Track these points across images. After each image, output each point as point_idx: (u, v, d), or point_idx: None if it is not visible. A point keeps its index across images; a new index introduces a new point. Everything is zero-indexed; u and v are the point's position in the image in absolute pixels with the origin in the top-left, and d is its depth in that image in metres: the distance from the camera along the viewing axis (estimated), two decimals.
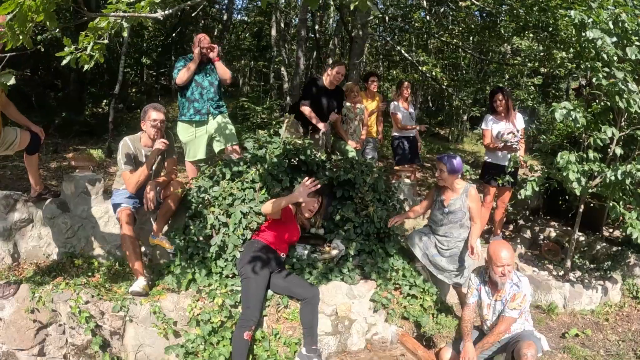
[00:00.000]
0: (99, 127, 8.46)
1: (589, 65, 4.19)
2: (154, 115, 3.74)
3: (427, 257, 4.05)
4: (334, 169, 4.22)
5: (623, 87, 3.93)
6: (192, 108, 4.55)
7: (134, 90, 12.36)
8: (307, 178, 3.49)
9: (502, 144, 4.79)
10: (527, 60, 8.16)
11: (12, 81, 2.38)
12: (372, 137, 6.21)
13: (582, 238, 5.77)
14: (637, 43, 4.15)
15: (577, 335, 4.32)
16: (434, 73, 6.99)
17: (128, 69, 10.99)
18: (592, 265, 5.28)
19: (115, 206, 3.77)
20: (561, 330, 4.39)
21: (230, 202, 3.75)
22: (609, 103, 4.16)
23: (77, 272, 3.74)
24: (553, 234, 5.93)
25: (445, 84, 8.35)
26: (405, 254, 4.23)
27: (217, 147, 4.69)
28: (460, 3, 5.76)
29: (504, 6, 6.73)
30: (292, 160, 4.15)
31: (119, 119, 8.88)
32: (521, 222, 6.40)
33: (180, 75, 4.44)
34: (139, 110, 10.24)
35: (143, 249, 4.05)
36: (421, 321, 3.75)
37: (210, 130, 4.64)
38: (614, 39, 4.19)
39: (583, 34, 4.12)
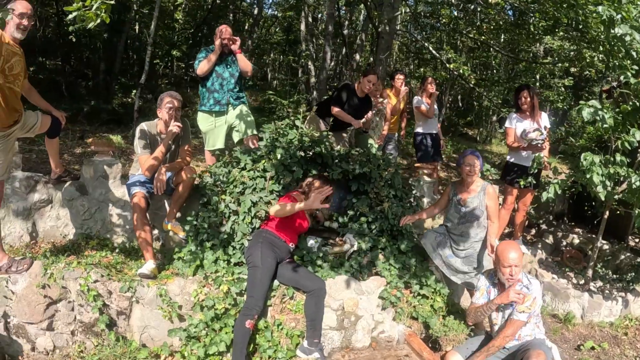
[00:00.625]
0: (126, 116, 8.72)
1: (617, 64, 4.04)
2: (168, 101, 3.86)
3: (440, 258, 4.01)
4: (350, 162, 4.22)
5: None
6: (212, 98, 4.65)
7: (164, 81, 12.69)
8: (320, 186, 3.56)
9: (527, 143, 4.69)
10: (558, 60, 7.94)
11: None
12: (393, 134, 6.18)
13: (606, 247, 5.57)
14: None
15: (593, 348, 4.19)
16: (461, 71, 6.89)
17: (158, 61, 11.28)
18: (614, 276, 5.09)
19: (130, 190, 3.88)
20: (577, 342, 4.26)
21: (241, 190, 3.81)
22: (638, 103, 4.00)
23: (91, 252, 3.88)
24: (576, 241, 5.75)
25: (472, 82, 8.21)
26: (418, 253, 4.19)
27: (236, 137, 4.77)
28: (491, 0, 5.64)
29: (534, 4, 6.56)
30: (308, 152, 4.18)
31: (147, 109, 9.11)
32: (544, 226, 6.23)
33: (201, 66, 4.53)
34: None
35: (156, 232, 4.17)
36: (430, 322, 3.72)
37: (229, 120, 4.72)
38: None
39: (612, 31, 3.98)
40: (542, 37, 8.04)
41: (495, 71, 11.79)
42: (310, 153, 4.19)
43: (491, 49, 9.38)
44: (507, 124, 4.88)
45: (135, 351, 3.35)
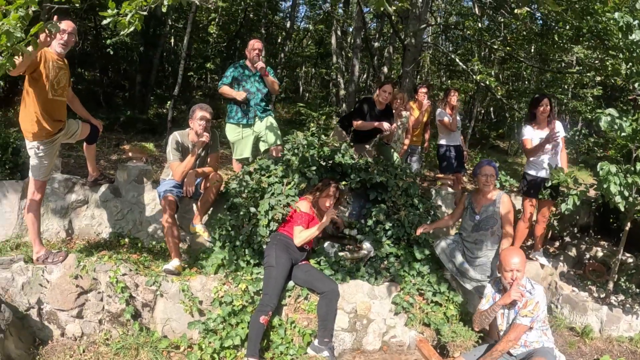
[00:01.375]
0: (160, 126, 9.22)
1: (634, 71, 4.11)
2: (200, 113, 4.21)
3: (453, 265, 4.16)
4: (368, 171, 4.44)
5: None
6: (239, 111, 4.99)
7: (198, 93, 13.27)
8: (332, 210, 3.90)
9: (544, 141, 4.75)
10: (584, 69, 7.95)
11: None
12: (417, 146, 6.36)
13: (630, 260, 5.53)
14: None
15: None
16: (487, 82, 7.03)
17: (192, 73, 11.83)
18: (637, 290, 5.05)
19: (161, 193, 4.23)
20: (594, 356, 4.26)
21: (260, 194, 4.09)
22: None
23: (122, 249, 4.23)
24: (600, 254, 5.73)
25: (500, 94, 8.30)
26: (433, 261, 4.35)
27: (263, 146, 5.10)
28: (517, 11, 5.77)
29: (555, 14, 6.65)
30: (328, 162, 4.44)
31: (181, 120, 9.59)
32: (568, 239, 6.23)
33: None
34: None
35: (183, 233, 4.49)
36: (442, 329, 3.87)
37: (257, 131, 5.05)
38: None
39: (629, 37, 4.06)
40: (569, 47, 8.08)
41: (527, 82, 11.76)
42: (330, 162, 4.44)
43: (514, 59, 9.46)
44: (524, 136, 4.95)
45: (156, 341, 3.67)
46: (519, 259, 3.14)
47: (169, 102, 11.17)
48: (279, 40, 14.87)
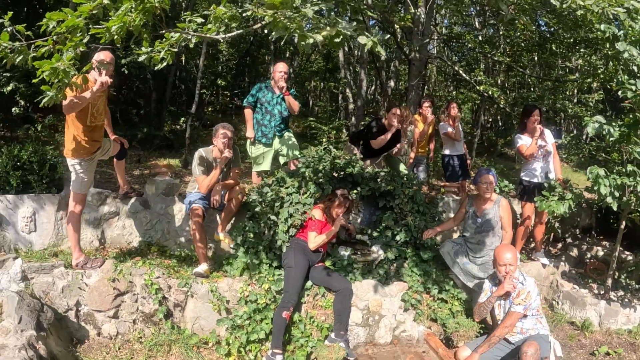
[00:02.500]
0: (176, 142, 9.76)
1: (619, 79, 4.48)
2: (222, 131, 4.70)
3: (458, 266, 4.58)
4: (377, 180, 4.90)
5: None
6: (260, 131, 5.47)
7: (209, 109, 13.86)
8: (341, 218, 4.41)
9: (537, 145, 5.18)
10: (582, 76, 8.38)
11: (105, 67, 3.55)
12: (423, 156, 6.82)
13: (630, 257, 5.89)
14: None
15: (608, 353, 4.50)
16: (490, 92, 7.47)
17: (204, 90, 12.41)
18: (637, 286, 5.40)
19: (189, 204, 4.71)
20: (593, 348, 4.61)
21: (279, 204, 4.55)
22: (638, 114, 4.42)
23: (152, 256, 4.71)
24: (601, 253, 6.10)
25: (502, 103, 8.76)
26: (439, 262, 4.78)
27: (282, 160, 5.57)
28: (518, 25, 6.21)
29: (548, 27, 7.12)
30: (340, 173, 4.90)
31: (195, 135, 10.14)
32: (569, 240, 6.61)
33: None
34: (213, 128, 11.59)
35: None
36: (447, 323, 4.29)
37: (275, 147, 5.53)
38: None
39: (615, 47, 4.40)
40: (567, 55, 8.53)
41: (532, 89, 12.17)
42: (342, 173, 4.91)
43: (518, 69, 9.92)
44: (519, 143, 5.37)
45: (187, 338, 4.11)
46: (510, 254, 3.57)
47: (182, 119, 11.76)
48: (287, 56, 15.44)
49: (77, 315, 4.19)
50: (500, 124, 16.11)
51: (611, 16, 4.22)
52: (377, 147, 5.62)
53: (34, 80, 3.13)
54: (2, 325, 3.61)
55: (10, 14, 3.23)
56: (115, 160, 4.90)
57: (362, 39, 2.87)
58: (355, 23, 2.93)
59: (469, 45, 9.14)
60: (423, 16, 7.70)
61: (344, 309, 4.03)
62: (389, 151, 5.86)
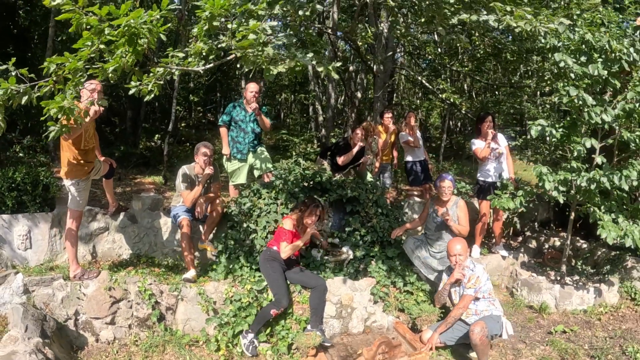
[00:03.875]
0: (153, 159, 10.24)
1: (559, 85, 5.18)
2: (203, 150, 5.24)
3: (419, 259, 5.24)
4: (344, 188, 5.54)
5: (579, 102, 4.88)
6: (235, 147, 6.04)
7: (182, 125, 14.34)
8: (313, 227, 4.80)
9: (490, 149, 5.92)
10: (538, 81, 9.23)
11: (105, 103, 3.97)
12: (388, 163, 7.50)
13: (584, 245, 6.65)
14: (599, 60, 5.03)
15: (564, 331, 5.10)
16: (452, 100, 8.21)
17: (178, 107, 12.92)
18: (592, 270, 6.12)
19: (176, 216, 5.23)
20: (550, 327, 5.21)
21: (258, 213, 5.14)
22: (574, 117, 5.13)
23: (143, 266, 5.22)
24: (557, 243, 6.86)
25: (464, 109, 9.56)
26: (404, 258, 5.42)
27: (256, 173, 6.14)
28: (459, 44, 6.96)
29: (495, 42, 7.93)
30: (310, 182, 5.52)
31: (170, 152, 10.64)
32: (528, 233, 7.38)
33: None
34: (188, 144, 12.09)
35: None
36: (413, 312, 4.92)
37: (250, 161, 6.10)
38: (584, 58, 5.09)
39: (554, 57, 5.08)
40: (521, 63, 9.39)
41: (495, 94, 13.06)
42: (312, 182, 5.53)
43: (476, 77, 10.77)
44: (474, 146, 6.11)
45: (179, 338, 4.62)
46: (460, 246, 4.24)
47: (157, 136, 12.23)
48: (257, 70, 16.03)
49: (76, 323, 4.63)
50: (468, 128, 17.04)
51: (542, 33, 4.94)
52: (343, 164, 6.30)
53: (41, 118, 3.66)
54: (10, 335, 4.02)
55: (13, 59, 3.74)
56: (104, 179, 5.40)
57: (318, 67, 3.52)
58: (312, 54, 3.53)
59: (429, 57, 9.91)
60: (386, 31, 8.39)
61: (319, 304, 4.62)
62: (355, 164, 6.53)
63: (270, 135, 14.06)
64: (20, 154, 8.42)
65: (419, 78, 9.53)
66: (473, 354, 4.32)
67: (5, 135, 8.72)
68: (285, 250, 4.69)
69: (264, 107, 6.15)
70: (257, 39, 3.24)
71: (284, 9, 4.28)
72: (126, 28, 3.02)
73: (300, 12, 4.36)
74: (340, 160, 6.32)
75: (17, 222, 5.23)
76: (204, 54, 4.12)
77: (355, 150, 6.27)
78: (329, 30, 7.10)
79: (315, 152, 6.39)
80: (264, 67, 3.35)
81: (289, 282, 4.80)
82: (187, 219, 5.13)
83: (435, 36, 9.65)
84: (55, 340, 4.31)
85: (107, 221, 5.56)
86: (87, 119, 4.39)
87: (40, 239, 5.34)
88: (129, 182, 8.10)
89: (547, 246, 6.98)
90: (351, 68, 13.43)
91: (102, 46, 3.44)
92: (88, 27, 3.22)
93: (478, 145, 6.07)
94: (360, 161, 6.41)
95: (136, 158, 10.10)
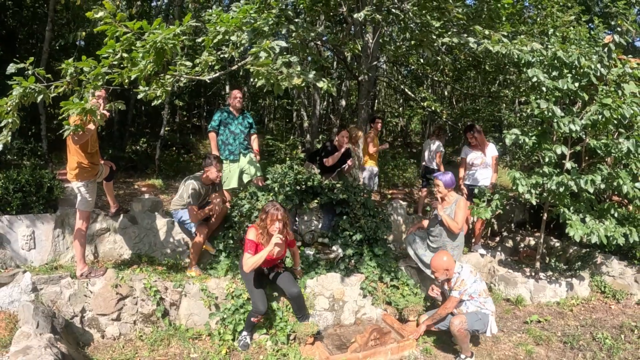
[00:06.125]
0: (140, 163, 10.52)
1: (533, 98, 5.71)
2: (211, 161, 5.52)
3: (416, 256, 5.68)
4: (334, 191, 6.00)
5: (549, 113, 5.42)
6: (227, 150, 6.45)
7: (167, 129, 14.60)
8: (279, 237, 4.55)
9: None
10: (514, 90, 9.89)
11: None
12: (374, 166, 8.03)
13: (557, 244, 7.27)
14: (569, 75, 5.58)
15: (539, 321, 5.64)
16: (433, 108, 8.77)
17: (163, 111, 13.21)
18: (565, 267, 6.73)
19: (184, 222, 5.59)
20: (526, 318, 5.76)
21: (256, 215, 5.55)
22: (545, 126, 5.70)
23: (144, 265, 5.58)
24: (532, 242, 7.47)
25: (444, 117, 10.15)
26: (390, 256, 5.90)
27: (246, 178, 6.54)
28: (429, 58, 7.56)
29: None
30: (302, 185, 5.96)
31: (154, 155, 10.96)
32: (505, 233, 7.98)
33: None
34: (174, 148, 12.36)
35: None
36: (400, 304, 5.40)
37: (241, 165, 6.51)
38: (555, 73, 5.62)
39: (526, 72, 5.65)
40: (498, 74, 10.04)
41: (475, 101, 13.72)
42: (304, 186, 5.97)
43: (456, 87, 11.42)
44: (461, 155, 6.74)
45: (183, 332, 4.99)
46: (435, 263, 4.67)
47: (142, 139, 12.50)
48: (241, 73, 16.42)
49: (82, 320, 4.93)
50: (448, 134, 17.67)
51: (516, 55, 5.52)
52: (330, 165, 6.79)
53: (59, 118, 4.02)
54: (22, 331, 4.27)
55: (31, 59, 4.09)
56: (104, 182, 5.74)
57: (320, 84, 3.98)
58: (315, 72, 4.00)
59: (412, 67, 10.48)
60: (371, 41, 8.85)
61: (299, 309, 4.92)
62: (341, 167, 7.01)
63: None
64: (9, 157, 8.64)
65: (402, 87, 10.07)
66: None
67: None
68: (248, 262, 4.56)
69: (247, 113, 6.61)
70: (268, 56, 3.68)
71: (290, 28, 4.74)
72: (156, 43, 3.41)
73: (307, 36, 4.81)
74: (328, 161, 6.80)
75: (21, 223, 5.50)
76: (210, 64, 4.55)
77: (342, 151, 6.78)
78: (318, 42, 7.57)
79: (301, 158, 6.83)
80: (273, 82, 3.78)
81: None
82: (204, 229, 5.50)
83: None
84: (64, 336, 4.58)
85: (109, 222, 5.89)
86: (93, 125, 4.73)
87: (44, 239, 5.63)
88: (120, 185, 8.39)
89: (522, 245, 7.57)
90: (334, 75, 13.96)
91: (124, 55, 3.83)
92: (119, 37, 3.61)
93: (463, 155, 6.77)
94: (347, 164, 6.91)
95: (124, 162, 10.37)
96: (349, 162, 6.98)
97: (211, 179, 5.59)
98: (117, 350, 4.79)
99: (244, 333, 4.83)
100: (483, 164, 6.66)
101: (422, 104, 9.58)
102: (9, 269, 5.21)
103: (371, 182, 7.88)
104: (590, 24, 7.82)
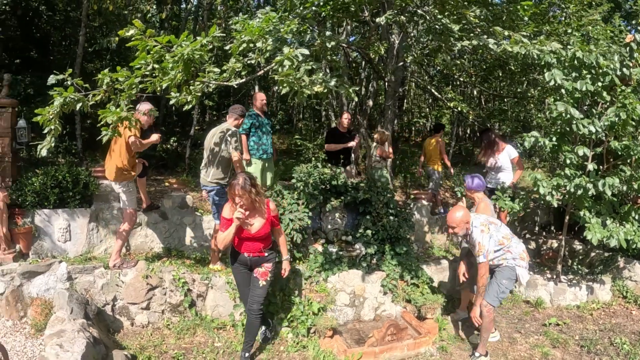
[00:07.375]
0: (170, 161, 10.95)
1: (549, 100, 5.76)
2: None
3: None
4: (357, 190, 6.20)
5: (567, 115, 5.45)
6: (260, 149, 6.82)
7: (197, 128, 15.04)
8: (240, 211, 4.24)
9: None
10: (541, 91, 9.84)
11: (156, 113, 4.66)
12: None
13: (579, 247, 7.28)
14: (588, 76, 5.55)
15: (557, 324, 5.72)
16: (459, 108, 8.86)
17: (193, 112, 13.64)
18: (587, 270, 6.74)
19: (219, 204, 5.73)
20: (545, 320, 5.83)
21: (282, 212, 5.80)
22: (565, 128, 5.69)
23: (174, 259, 5.90)
24: (555, 245, 7.50)
25: (471, 117, 10.19)
26: (411, 254, 6.06)
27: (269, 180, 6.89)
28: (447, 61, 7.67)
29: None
30: (326, 184, 6.19)
31: (184, 154, 11.37)
32: (528, 235, 8.02)
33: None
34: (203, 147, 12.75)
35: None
36: (418, 301, 5.56)
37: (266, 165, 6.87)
38: (575, 74, 5.60)
39: (545, 74, 5.68)
40: (524, 75, 10.02)
41: (504, 101, 13.67)
42: (328, 185, 6.19)
43: (482, 88, 11.42)
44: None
45: (209, 322, 5.28)
46: (452, 216, 4.67)
47: (173, 138, 12.94)
48: (270, 75, 16.73)
49: (113, 308, 5.29)
50: (476, 134, 17.59)
51: (535, 55, 5.59)
52: (333, 150, 7.44)
53: (98, 125, 4.36)
54: (57, 316, 4.60)
55: (70, 70, 4.43)
56: (137, 178, 6.09)
57: (341, 90, 4.20)
58: (336, 79, 4.23)
59: (438, 68, 10.56)
60: (397, 42, 9.00)
61: (248, 328, 4.58)
62: (351, 148, 7.58)
63: (283, 140, 14.71)
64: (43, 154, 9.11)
65: (428, 87, 10.16)
66: (474, 336, 4.96)
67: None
68: (218, 239, 4.44)
69: (266, 120, 6.98)
70: (291, 65, 3.92)
71: (313, 36, 4.98)
72: (184, 55, 3.70)
73: (328, 45, 5.04)
74: (331, 147, 7.45)
75: (57, 217, 5.90)
76: (237, 70, 4.82)
77: (342, 146, 7.44)
78: (344, 45, 7.80)
79: (324, 158, 7.15)
80: (297, 89, 4.01)
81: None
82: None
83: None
84: (96, 322, 4.92)
85: (140, 217, 6.24)
86: (152, 140, 5.53)
87: (79, 232, 6.02)
88: (151, 182, 8.77)
89: (545, 248, 7.61)
90: (363, 75, 14.10)
91: (155, 65, 4.14)
92: (149, 50, 3.92)
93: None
94: (353, 142, 7.54)
95: (155, 160, 10.80)
96: (355, 140, 7.59)
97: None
98: (145, 338, 5.10)
99: (263, 328, 4.99)
100: (496, 168, 6.83)
101: (448, 104, 9.67)
102: (46, 259, 5.60)
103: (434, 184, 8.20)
104: (612, 22, 7.79)
